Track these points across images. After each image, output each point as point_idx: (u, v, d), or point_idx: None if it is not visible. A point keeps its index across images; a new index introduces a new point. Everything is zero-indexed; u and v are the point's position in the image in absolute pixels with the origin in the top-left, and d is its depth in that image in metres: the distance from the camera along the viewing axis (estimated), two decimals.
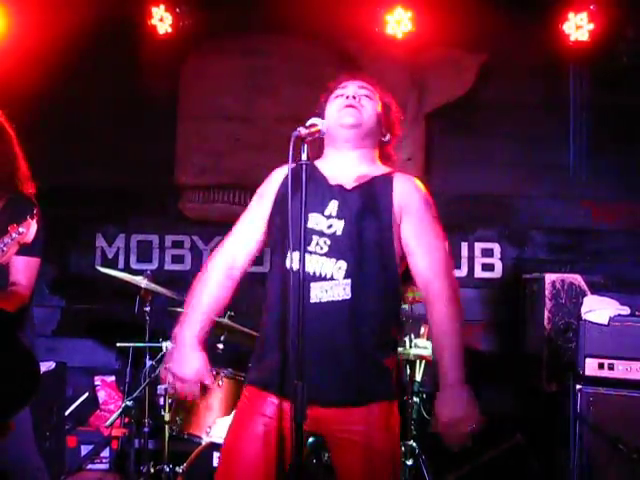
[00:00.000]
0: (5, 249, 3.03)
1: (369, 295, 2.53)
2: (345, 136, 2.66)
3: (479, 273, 6.08)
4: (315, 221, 2.56)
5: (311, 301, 2.44)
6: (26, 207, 3.36)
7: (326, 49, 5.91)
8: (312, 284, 2.46)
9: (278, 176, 2.73)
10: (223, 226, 5.71)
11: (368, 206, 2.59)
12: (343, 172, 2.67)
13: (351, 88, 2.72)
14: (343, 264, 2.52)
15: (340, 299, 2.50)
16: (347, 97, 2.69)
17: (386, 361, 2.56)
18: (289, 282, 2.43)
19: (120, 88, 6.03)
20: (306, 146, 2.39)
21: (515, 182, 6.01)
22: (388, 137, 2.78)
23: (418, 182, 2.70)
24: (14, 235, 3.03)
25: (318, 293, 2.49)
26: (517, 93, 6.00)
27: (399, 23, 5.76)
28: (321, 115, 2.69)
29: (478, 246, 6.10)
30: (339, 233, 2.54)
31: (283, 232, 2.57)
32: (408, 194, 2.64)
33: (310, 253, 2.50)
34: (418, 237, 2.57)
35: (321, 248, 2.53)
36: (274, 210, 2.68)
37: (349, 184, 2.63)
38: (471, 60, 6.00)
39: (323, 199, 2.58)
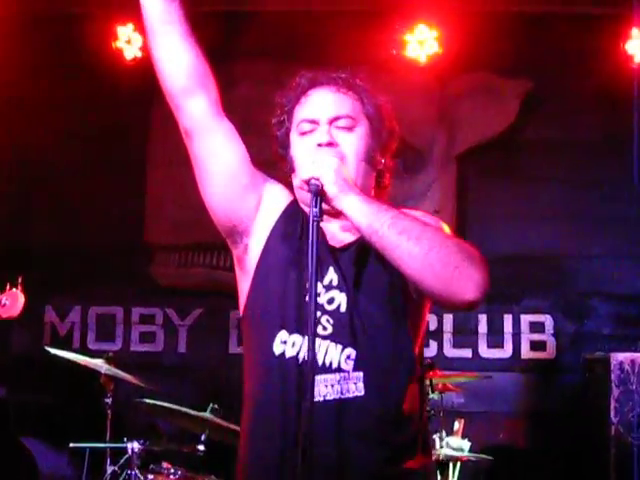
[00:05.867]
0: None
1: (386, 390, 2.45)
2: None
3: (527, 353, 6.13)
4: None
5: (314, 399, 2.29)
6: None
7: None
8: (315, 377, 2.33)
9: (280, 204, 2.61)
10: (204, 296, 5.92)
11: (368, 269, 2.51)
12: (335, 225, 2.58)
13: (323, 128, 2.55)
14: (352, 352, 2.43)
15: (352, 396, 2.42)
16: (319, 145, 2.53)
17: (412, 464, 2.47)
18: (280, 373, 2.42)
19: (80, 127, 6.14)
20: (320, 199, 2.33)
21: (570, 238, 6.07)
22: (384, 160, 2.64)
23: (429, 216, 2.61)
24: None
25: (322, 389, 2.39)
26: (570, 128, 6.10)
27: (422, 44, 5.84)
28: (283, 146, 2.62)
29: (525, 319, 6.15)
30: (343, 310, 2.46)
31: (271, 305, 2.50)
32: None
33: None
34: None
35: (324, 328, 2.45)
36: (260, 259, 2.55)
37: (341, 240, 2.55)
38: (512, 89, 6.05)
39: (321, 263, 2.44)
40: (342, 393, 2.39)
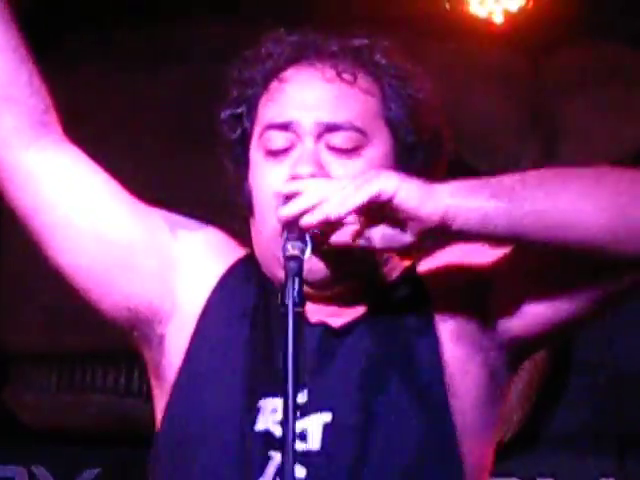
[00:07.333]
0: None
1: None
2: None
3: None
4: (272, 418, 2.10)
5: None
6: None
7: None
8: None
9: (216, 266, 2.30)
10: (104, 445, 5.73)
11: (386, 365, 2.17)
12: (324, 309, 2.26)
13: (306, 144, 2.12)
14: None
15: None
16: (293, 178, 2.16)
17: None
18: None
19: None
20: (298, 280, 1.91)
21: None
22: None
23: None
24: None
25: None
26: None
27: None
28: (237, 160, 2.25)
29: None
30: (316, 446, 2.08)
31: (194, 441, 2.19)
32: (459, 273, 2.22)
33: None
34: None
35: None
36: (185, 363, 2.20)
37: (337, 317, 2.17)
38: None
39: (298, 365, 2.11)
40: None
